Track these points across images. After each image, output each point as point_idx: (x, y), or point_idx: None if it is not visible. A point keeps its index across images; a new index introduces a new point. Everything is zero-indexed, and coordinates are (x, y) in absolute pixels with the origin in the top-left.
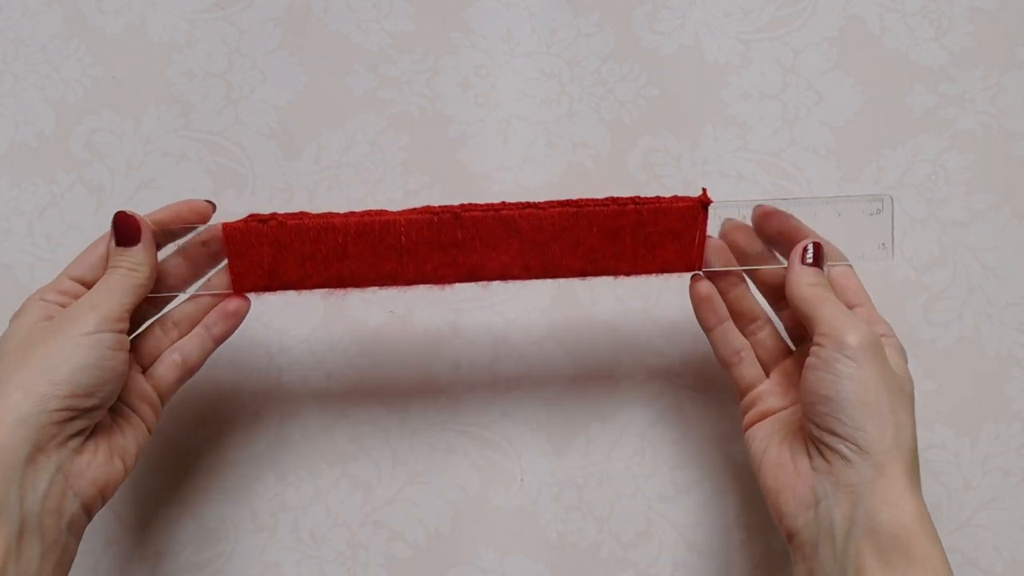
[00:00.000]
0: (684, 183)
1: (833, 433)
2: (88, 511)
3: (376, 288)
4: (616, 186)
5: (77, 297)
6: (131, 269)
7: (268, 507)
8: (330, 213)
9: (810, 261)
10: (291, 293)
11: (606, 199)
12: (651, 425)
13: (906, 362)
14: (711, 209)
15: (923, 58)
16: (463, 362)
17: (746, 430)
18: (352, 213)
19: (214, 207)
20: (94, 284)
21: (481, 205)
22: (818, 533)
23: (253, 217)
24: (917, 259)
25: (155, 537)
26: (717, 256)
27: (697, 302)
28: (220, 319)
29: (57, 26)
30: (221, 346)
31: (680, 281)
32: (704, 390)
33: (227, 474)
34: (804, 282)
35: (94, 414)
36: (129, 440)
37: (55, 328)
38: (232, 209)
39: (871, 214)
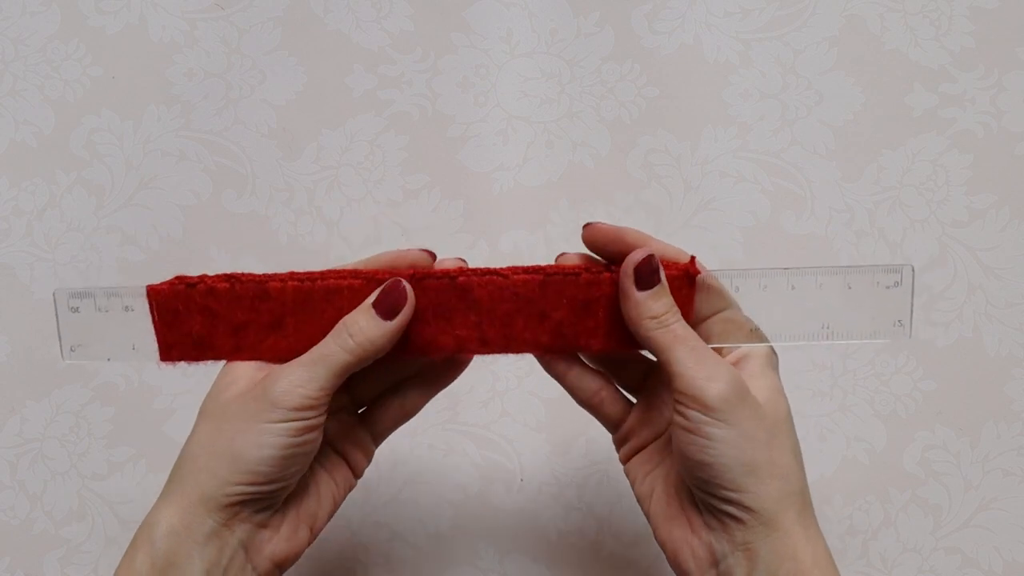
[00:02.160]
0: (684, 183)
1: (716, 497)
2: None
3: None
4: (616, 186)
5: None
6: (361, 342)
7: None
8: (267, 275)
9: (646, 285)
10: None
11: (578, 266)
12: None
13: (776, 369)
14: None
15: (923, 58)
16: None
17: (624, 463)
18: (292, 275)
19: (433, 256)
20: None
21: (436, 271)
22: None
23: (180, 279)
24: (917, 259)
25: None
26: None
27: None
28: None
29: (57, 26)
30: None
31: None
32: None
33: None
34: (646, 317)
35: (277, 495)
36: (324, 498)
37: (248, 405)
38: (232, 209)
39: (887, 287)
